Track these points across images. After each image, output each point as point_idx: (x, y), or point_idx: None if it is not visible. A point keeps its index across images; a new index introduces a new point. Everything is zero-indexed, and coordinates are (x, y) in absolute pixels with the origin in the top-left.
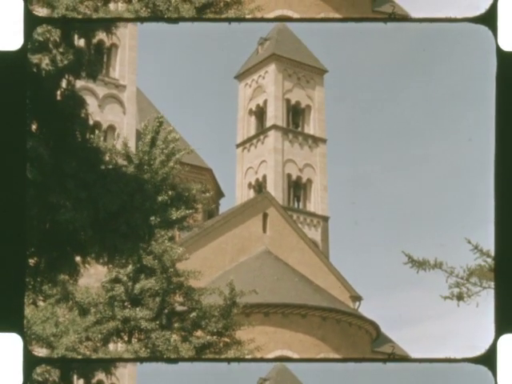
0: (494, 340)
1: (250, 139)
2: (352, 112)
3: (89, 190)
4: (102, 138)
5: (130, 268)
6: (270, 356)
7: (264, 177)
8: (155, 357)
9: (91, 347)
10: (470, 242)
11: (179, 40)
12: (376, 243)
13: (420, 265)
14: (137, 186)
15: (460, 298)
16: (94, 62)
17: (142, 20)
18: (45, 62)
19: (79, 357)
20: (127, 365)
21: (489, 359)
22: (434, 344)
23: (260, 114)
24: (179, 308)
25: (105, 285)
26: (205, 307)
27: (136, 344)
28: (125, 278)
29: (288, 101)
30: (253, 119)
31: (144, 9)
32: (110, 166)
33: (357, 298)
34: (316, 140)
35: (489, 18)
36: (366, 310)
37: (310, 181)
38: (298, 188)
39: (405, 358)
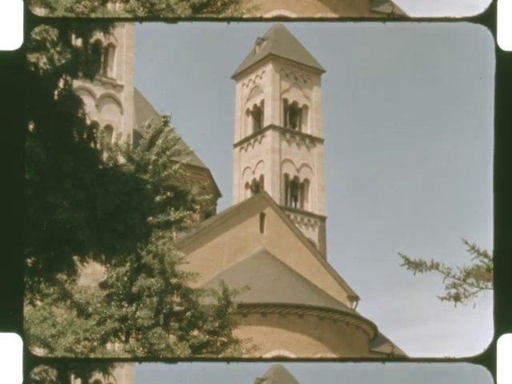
0: (493, 340)
1: (247, 139)
2: (349, 112)
3: (86, 189)
4: (104, 135)
5: (127, 267)
6: (267, 356)
7: (261, 177)
8: (154, 357)
9: (89, 347)
10: (466, 243)
11: (176, 40)
12: (373, 243)
13: (417, 266)
14: (135, 186)
15: (457, 298)
16: (92, 62)
17: (141, 20)
18: (42, 62)
19: (78, 357)
20: (124, 365)
21: (488, 359)
22: (432, 344)
23: (257, 113)
24: (177, 308)
25: (102, 284)
26: (201, 307)
27: (133, 343)
28: (122, 278)
29: (285, 101)
30: (250, 119)
31: (142, 8)
32: (108, 166)
33: (354, 297)
34: (313, 140)
35: (488, 18)
36: (363, 310)
37: (307, 181)
38: (295, 188)
39: (404, 358)
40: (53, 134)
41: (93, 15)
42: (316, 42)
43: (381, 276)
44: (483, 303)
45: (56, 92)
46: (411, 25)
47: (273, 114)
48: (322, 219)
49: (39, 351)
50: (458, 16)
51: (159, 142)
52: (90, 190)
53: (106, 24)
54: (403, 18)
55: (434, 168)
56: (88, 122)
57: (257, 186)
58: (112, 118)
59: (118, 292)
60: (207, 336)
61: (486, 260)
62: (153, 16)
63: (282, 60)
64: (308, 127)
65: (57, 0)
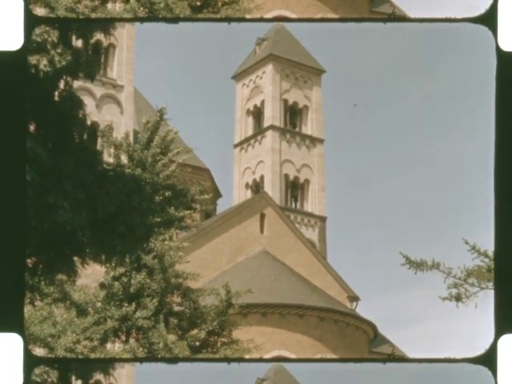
0: (493, 340)
1: (247, 139)
2: (349, 112)
3: (87, 190)
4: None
5: (128, 267)
6: (268, 356)
7: (261, 177)
8: (155, 357)
9: (89, 347)
10: (467, 243)
11: (176, 40)
12: (374, 244)
13: (418, 266)
14: (135, 187)
15: (458, 298)
16: (92, 63)
17: (141, 20)
18: (43, 63)
19: (78, 357)
20: (125, 365)
21: (489, 359)
22: (433, 344)
23: (257, 114)
24: (177, 308)
25: (102, 284)
26: (201, 308)
27: (133, 343)
28: (122, 278)
29: (285, 101)
30: (250, 119)
31: (142, 8)
32: (108, 167)
33: (354, 298)
34: (313, 140)
35: (488, 18)
36: (363, 310)
37: (307, 181)
38: (295, 188)
39: (404, 359)
40: (53, 134)
41: (93, 15)
42: (316, 42)
43: (381, 276)
44: (484, 303)
45: (57, 93)
46: (412, 25)
47: (273, 115)
48: (322, 219)
49: (39, 351)
50: (459, 16)
51: (157, 138)
52: (91, 191)
53: (107, 24)
54: (404, 18)
55: (434, 168)
56: (88, 122)
57: (257, 187)
58: (112, 118)
59: (117, 292)
60: (207, 336)
61: (487, 260)
62: (153, 16)
63: (282, 60)
64: (308, 127)
65: (57, 0)
